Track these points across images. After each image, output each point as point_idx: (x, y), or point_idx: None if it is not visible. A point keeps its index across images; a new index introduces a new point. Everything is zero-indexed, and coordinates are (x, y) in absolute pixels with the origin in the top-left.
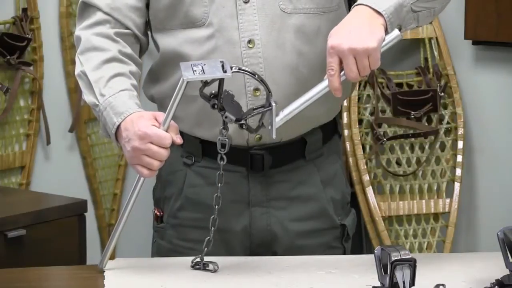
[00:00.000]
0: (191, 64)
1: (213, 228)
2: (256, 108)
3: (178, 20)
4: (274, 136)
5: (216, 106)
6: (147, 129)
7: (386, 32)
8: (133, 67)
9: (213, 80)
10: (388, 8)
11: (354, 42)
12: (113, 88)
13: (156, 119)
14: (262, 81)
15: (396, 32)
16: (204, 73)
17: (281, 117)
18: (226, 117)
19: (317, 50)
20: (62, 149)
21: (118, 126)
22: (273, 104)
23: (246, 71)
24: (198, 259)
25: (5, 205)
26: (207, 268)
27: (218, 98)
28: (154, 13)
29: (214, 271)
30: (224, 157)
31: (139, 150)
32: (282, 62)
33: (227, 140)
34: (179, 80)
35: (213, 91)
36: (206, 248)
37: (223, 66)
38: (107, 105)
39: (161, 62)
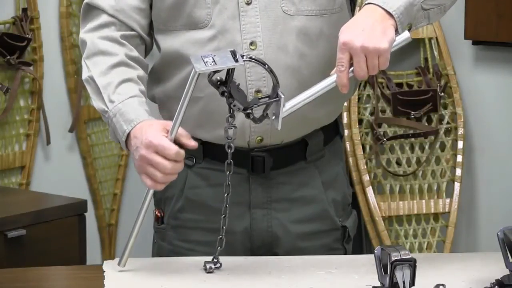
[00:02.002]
0: (201, 56)
1: (224, 227)
2: (261, 98)
3: (181, 21)
4: (279, 127)
5: (225, 94)
6: (153, 138)
7: (396, 32)
8: (141, 72)
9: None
10: (398, 8)
11: (367, 41)
12: (122, 94)
13: (166, 129)
14: (271, 71)
15: (406, 34)
16: (215, 63)
17: (287, 108)
18: (234, 105)
19: (319, 53)
20: (62, 149)
21: (128, 134)
22: (282, 96)
23: (256, 60)
24: (208, 260)
25: (5, 205)
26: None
27: (227, 85)
28: (157, 13)
29: (209, 271)
30: (232, 145)
31: (145, 159)
32: (284, 64)
33: (234, 128)
34: (181, 80)
35: (219, 77)
36: (219, 247)
37: (233, 55)
38: (117, 112)
39: (163, 62)
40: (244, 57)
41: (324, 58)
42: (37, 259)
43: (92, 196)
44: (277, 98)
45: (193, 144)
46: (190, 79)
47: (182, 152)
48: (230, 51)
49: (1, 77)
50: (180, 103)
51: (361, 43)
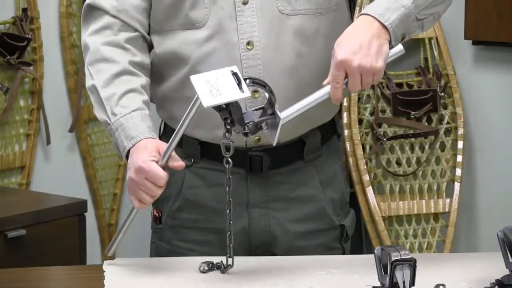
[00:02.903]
0: (205, 81)
1: (231, 244)
2: (256, 109)
3: (178, 21)
4: (274, 144)
5: (227, 119)
6: (145, 164)
7: (389, 43)
8: (143, 79)
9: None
10: (394, 21)
11: (364, 60)
12: (125, 107)
13: (159, 152)
14: (271, 92)
15: (399, 47)
16: (220, 93)
17: (280, 118)
18: (234, 129)
19: (316, 52)
20: (62, 149)
21: (129, 150)
22: (281, 117)
23: (258, 83)
24: (206, 265)
25: (5, 205)
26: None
27: (228, 108)
28: (154, 13)
29: (203, 271)
30: (230, 160)
31: (135, 182)
32: (281, 64)
33: (231, 142)
34: (179, 81)
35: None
36: (230, 266)
37: (236, 77)
38: (119, 126)
39: (159, 63)
40: (247, 81)
41: (321, 57)
42: (37, 259)
43: (92, 196)
44: (273, 116)
45: (180, 164)
46: (191, 106)
47: (168, 175)
48: (232, 72)
49: (1, 77)
50: (179, 126)
51: (358, 62)
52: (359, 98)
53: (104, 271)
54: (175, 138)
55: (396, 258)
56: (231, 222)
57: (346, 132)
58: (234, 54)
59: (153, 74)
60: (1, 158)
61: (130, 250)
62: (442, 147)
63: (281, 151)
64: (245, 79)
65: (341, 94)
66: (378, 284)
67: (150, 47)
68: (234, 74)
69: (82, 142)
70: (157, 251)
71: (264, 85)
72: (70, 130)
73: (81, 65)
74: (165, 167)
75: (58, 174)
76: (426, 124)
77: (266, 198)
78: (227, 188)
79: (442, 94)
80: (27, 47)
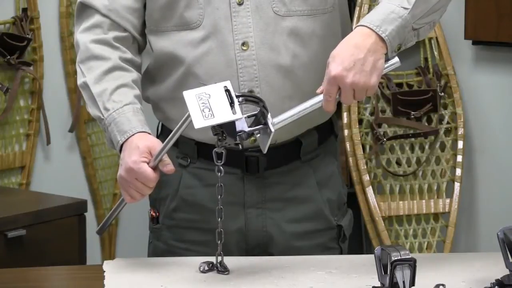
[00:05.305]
0: (197, 97)
1: (221, 253)
2: (248, 116)
3: (173, 21)
4: (265, 151)
5: (219, 135)
6: (135, 165)
7: (386, 54)
8: (135, 74)
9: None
10: (391, 33)
11: (357, 78)
12: (117, 102)
13: (150, 153)
14: (264, 107)
15: (395, 59)
16: (212, 113)
17: (273, 123)
18: (226, 142)
19: (312, 52)
20: (62, 149)
21: (122, 144)
22: (272, 130)
23: (251, 100)
24: (206, 265)
25: (5, 205)
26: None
27: (220, 126)
28: (150, 13)
29: (203, 271)
30: (221, 168)
31: (126, 181)
32: (277, 65)
33: (223, 151)
34: (175, 82)
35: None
36: (227, 273)
37: (228, 94)
38: (112, 121)
39: (156, 64)
40: (240, 98)
41: (317, 58)
42: (37, 259)
43: (92, 196)
44: (265, 126)
45: (170, 168)
46: (182, 121)
47: (158, 176)
48: (225, 89)
49: (1, 77)
50: (169, 137)
51: (351, 80)
52: None
53: (104, 271)
54: (167, 146)
55: (396, 258)
56: (222, 230)
57: (346, 132)
58: (229, 55)
59: (150, 75)
60: (1, 158)
61: (130, 250)
62: (442, 147)
63: (277, 151)
64: (237, 96)
65: (333, 106)
66: (378, 284)
67: (141, 48)
68: (227, 91)
69: (82, 142)
70: (154, 251)
71: (257, 101)
72: (70, 130)
73: None
74: (156, 168)
75: (58, 174)
76: (426, 124)
77: (263, 199)
78: (219, 196)
79: (442, 94)
80: (27, 47)
